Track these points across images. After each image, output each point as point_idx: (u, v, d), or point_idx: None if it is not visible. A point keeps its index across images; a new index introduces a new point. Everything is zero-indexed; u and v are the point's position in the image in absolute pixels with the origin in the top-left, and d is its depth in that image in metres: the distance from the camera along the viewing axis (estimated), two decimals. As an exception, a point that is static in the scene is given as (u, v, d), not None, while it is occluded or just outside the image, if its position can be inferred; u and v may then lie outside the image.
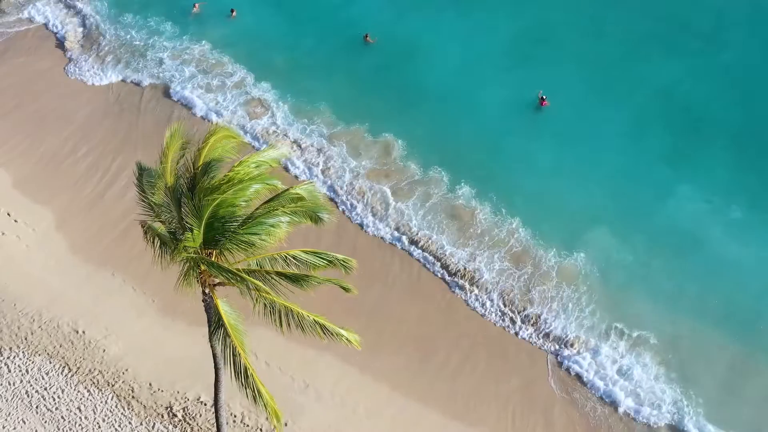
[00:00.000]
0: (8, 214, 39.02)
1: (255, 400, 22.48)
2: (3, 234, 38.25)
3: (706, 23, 48.11)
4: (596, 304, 36.14)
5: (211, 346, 24.29)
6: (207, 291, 23.10)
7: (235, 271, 21.05)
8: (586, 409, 33.09)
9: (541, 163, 41.61)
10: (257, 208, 22.20)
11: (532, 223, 39.06)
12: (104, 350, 34.26)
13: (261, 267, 22.86)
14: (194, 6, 50.87)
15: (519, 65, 46.43)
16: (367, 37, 48.09)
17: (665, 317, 35.45)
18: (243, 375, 22.15)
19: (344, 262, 23.16)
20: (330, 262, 22.98)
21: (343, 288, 23.33)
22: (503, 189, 40.44)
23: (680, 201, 39.65)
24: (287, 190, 22.63)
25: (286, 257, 22.74)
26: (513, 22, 49.06)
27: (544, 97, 43.55)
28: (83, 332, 34.75)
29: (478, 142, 42.71)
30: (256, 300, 22.52)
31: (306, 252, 22.92)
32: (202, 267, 22.01)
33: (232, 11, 50.56)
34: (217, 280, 23.16)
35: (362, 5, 50.86)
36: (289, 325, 22.71)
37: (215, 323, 22.80)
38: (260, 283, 20.90)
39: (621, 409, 32.91)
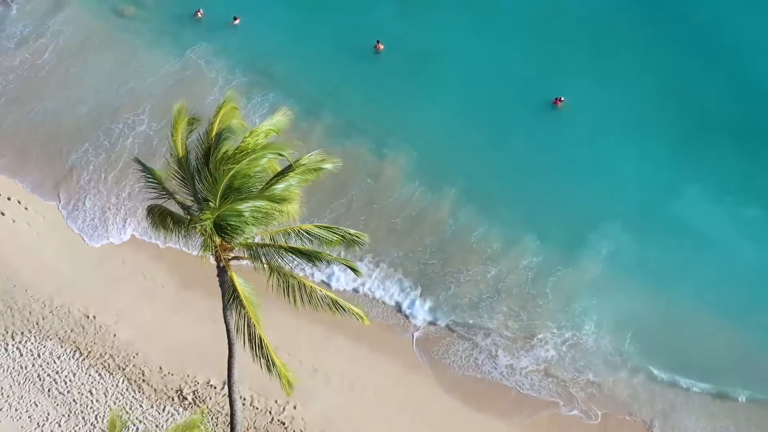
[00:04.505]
0: (18, 202, 39.41)
1: (269, 369, 22.86)
2: (14, 221, 38.65)
3: (718, 20, 48.05)
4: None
5: (225, 321, 24.61)
6: (222, 266, 23.43)
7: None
8: None
9: (557, 164, 41.67)
10: (268, 182, 22.56)
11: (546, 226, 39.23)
12: (115, 335, 34.62)
13: (274, 242, 23.22)
14: (197, 11, 49.27)
15: (530, 67, 45.91)
16: (378, 43, 46.74)
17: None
18: (257, 345, 22.49)
19: (356, 237, 23.48)
20: (342, 237, 23.29)
21: (353, 269, 23.68)
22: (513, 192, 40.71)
23: (702, 200, 39.96)
24: (296, 160, 22.94)
25: (299, 231, 23.09)
26: (522, 25, 48.68)
27: (562, 98, 43.53)
28: (94, 317, 35.12)
29: (491, 148, 42.49)
30: (270, 274, 22.98)
31: (318, 227, 23.28)
32: (218, 240, 22.36)
33: (234, 18, 48.64)
34: (232, 255, 23.53)
35: (369, 13, 49.44)
36: (302, 299, 23.10)
37: (230, 296, 23.15)
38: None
39: None
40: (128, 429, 31.41)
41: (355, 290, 36.98)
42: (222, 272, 23.65)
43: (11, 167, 41.48)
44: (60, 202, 39.98)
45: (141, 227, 38.51)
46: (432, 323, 35.85)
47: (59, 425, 31.55)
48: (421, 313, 36.14)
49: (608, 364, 34.32)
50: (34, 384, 32.75)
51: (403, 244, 38.53)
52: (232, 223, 21.54)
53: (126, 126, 43.30)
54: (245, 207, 21.39)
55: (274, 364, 22.71)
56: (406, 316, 36.19)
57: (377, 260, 37.84)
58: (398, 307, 36.45)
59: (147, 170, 24.11)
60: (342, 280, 37.12)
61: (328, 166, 23.04)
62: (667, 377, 33.85)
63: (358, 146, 42.39)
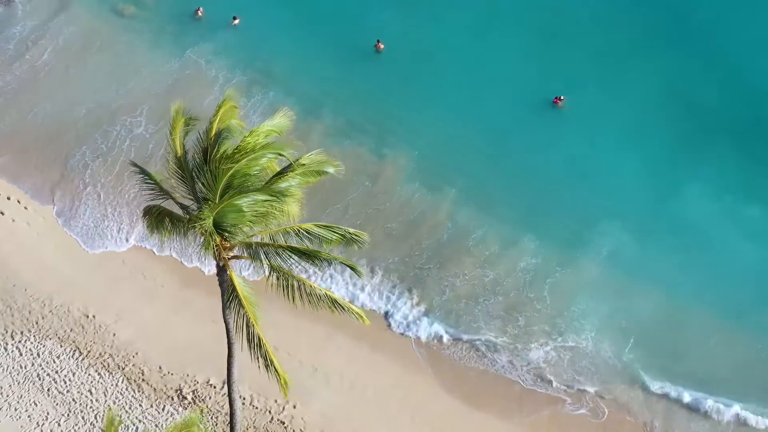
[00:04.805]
0: (18, 201, 39.41)
1: (267, 368, 22.85)
2: (13, 221, 38.64)
3: (719, 20, 47.82)
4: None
5: (225, 320, 24.58)
6: (222, 265, 23.39)
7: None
8: None
9: (557, 163, 41.57)
10: (269, 180, 22.57)
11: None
12: (114, 334, 34.60)
13: (274, 241, 23.21)
14: (197, 10, 49.10)
15: (530, 67, 45.82)
16: (378, 43, 46.65)
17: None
18: (256, 345, 22.46)
19: (356, 235, 23.48)
20: (342, 236, 23.31)
21: (353, 269, 23.67)
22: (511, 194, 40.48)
23: (701, 199, 39.80)
24: (296, 160, 22.96)
25: (298, 231, 23.08)
26: (522, 24, 48.38)
27: (562, 97, 43.51)
28: (93, 317, 35.10)
29: (491, 147, 42.31)
30: (269, 273, 22.98)
31: (318, 226, 23.29)
32: (218, 239, 22.33)
33: (234, 18, 48.46)
34: (231, 254, 23.50)
35: (369, 13, 49.21)
36: (302, 298, 23.09)
37: (229, 295, 23.13)
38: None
39: None
40: (127, 428, 31.40)
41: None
42: (221, 271, 23.61)
43: (9, 170, 41.26)
44: (55, 207, 39.71)
45: (140, 235, 38.25)
46: (426, 336, 35.39)
47: (59, 425, 31.52)
48: (416, 324, 35.75)
49: (608, 368, 34.13)
50: (34, 383, 32.72)
51: (399, 248, 38.19)
52: (232, 220, 21.49)
53: (123, 128, 43.12)
54: (245, 201, 21.36)
55: (272, 363, 22.67)
56: (388, 325, 35.95)
57: (372, 265, 37.44)
58: (392, 317, 36.10)
59: (144, 173, 24.15)
60: (340, 284, 36.95)
61: (331, 170, 23.12)
62: (668, 381, 33.59)
63: (357, 146, 42.30)
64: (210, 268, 36.64)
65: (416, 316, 35.95)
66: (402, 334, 35.53)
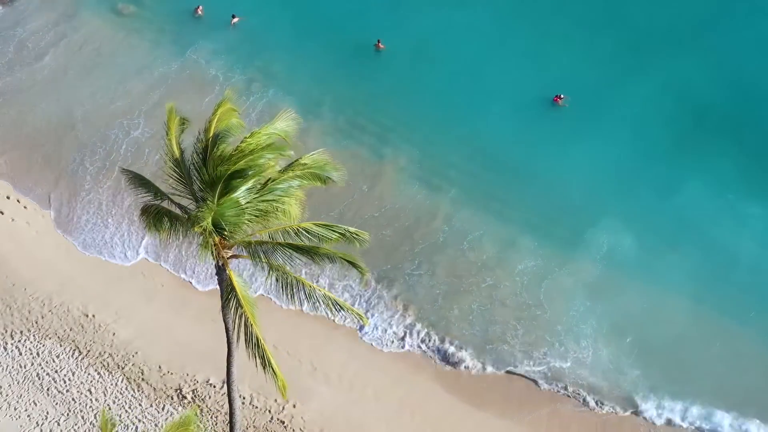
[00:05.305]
0: (18, 201, 39.41)
1: (264, 368, 22.73)
2: (13, 220, 38.64)
3: (719, 18, 47.82)
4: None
5: (224, 320, 24.54)
6: (221, 264, 23.35)
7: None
8: None
9: (557, 163, 41.35)
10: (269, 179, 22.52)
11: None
12: (114, 334, 34.56)
13: (273, 240, 23.17)
14: (197, 9, 49.10)
15: (530, 65, 45.77)
16: (379, 43, 46.62)
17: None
18: (254, 345, 22.39)
19: (356, 234, 23.40)
20: (342, 234, 23.20)
21: (356, 266, 23.52)
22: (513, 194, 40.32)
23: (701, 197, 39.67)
24: (297, 159, 22.94)
25: (297, 230, 23.01)
26: (523, 24, 48.28)
27: (562, 96, 43.51)
28: (93, 316, 35.07)
29: (491, 147, 42.10)
30: (269, 271, 22.95)
31: (317, 225, 23.20)
32: (217, 238, 22.30)
33: (233, 17, 48.36)
34: (230, 253, 23.46)
35: (370, 13, 49.30)
36: (300, 299, 23.06)
37: (227, 294, 23.07)
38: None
39: None
40: (127, 428, 31.39)
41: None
42: (220, 271, 23.57)
43: (9, 171, 41.13)
44: (52, 213, 39.46)
45: (142, 248, 38.19)
46: (423, 348, 35.01)
47: (58, 424, 31.49)
48: (411, 336, 35.29)
49: (608, 371, 33.91)
50: (33, 383, 32.70)
51: (393, 255, 37.69)
52: (231, 217, 21.40)
53: (122, 130, 42.98)
54: (242, 192, 21.25)
55: (269, 364, 22.60)
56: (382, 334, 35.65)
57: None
58: (386, 331, 35.61)
59: (139, 177, 24.14)
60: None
61: (334, 176, 23.04)
62: (669, 385, 33.33)
63: (356, 146, 42.22)
64: (202, 284, 36.79)
65: (409, 324, 35.62)
66: (383, 345, 35.16)
